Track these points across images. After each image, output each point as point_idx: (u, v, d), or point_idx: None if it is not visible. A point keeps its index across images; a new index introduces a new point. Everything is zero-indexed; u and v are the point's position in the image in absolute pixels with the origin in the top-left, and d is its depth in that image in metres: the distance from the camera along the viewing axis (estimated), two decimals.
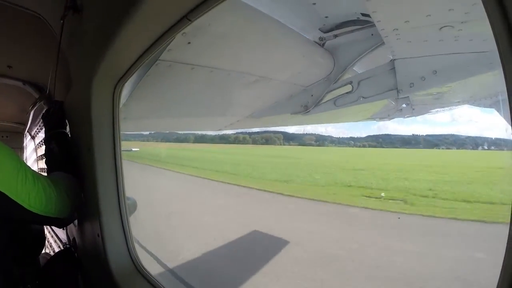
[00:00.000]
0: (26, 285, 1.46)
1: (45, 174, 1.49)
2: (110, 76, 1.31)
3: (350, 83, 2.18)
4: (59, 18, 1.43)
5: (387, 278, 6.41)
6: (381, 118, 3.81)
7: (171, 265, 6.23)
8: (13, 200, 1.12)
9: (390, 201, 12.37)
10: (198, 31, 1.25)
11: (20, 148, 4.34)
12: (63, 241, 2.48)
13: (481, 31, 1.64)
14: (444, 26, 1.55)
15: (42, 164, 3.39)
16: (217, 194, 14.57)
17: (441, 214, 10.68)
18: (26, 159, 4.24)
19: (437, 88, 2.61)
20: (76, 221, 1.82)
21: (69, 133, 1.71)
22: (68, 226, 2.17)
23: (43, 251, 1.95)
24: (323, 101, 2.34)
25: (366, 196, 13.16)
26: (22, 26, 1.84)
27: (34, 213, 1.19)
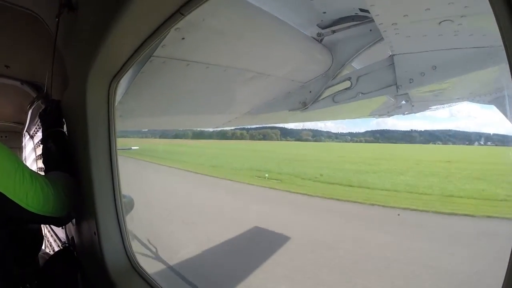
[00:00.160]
0: (25, 284, 1.46)
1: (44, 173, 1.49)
2: (105, 72, 1.30)
3: (349, 79, 2.17)
4: (55, 17, 1.42)
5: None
6: (381, 115, 3.79)
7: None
8: (11, 199, 1.12)
9: (270, 180, 16.66)
10: (192, 26, 1.23)
11: (19, 148, 4.35)
12: (63, 240, 2.48)
13: (481, 26, 1.63)
14: (444, 21, 1.53)
15: (41, 163, 3.39)
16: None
17: (300, 191, 14.32)
18: (25, 159, 4.24)
19: (437, 85, 2.59)
20: (74, 220, 1.82)
21: (66, 132, 1.70)
22: (67, 225, 2.17)
23: (43, 251, 1.95)
24: (322, 97, 2.32)
25: (257, 177, 17.47)
26: (18, 25, 1.84)
27: (32, 212, 1.20)
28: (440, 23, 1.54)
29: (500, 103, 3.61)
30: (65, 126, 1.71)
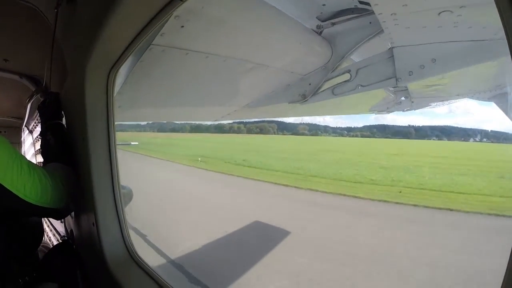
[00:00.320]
0: (24, 278, 1.45)
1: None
2: (103, 63, 1.30)
3: (348, 71, 2.16)
4: (53, 8, 1.42)
5: None
6: (380, 112, 3.79)
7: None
8: (9, 189, 1.11)
9: (200, 163, 20.22)
10: (191, 14, 1.23)
11: (18, 143, 4.33)
12: (61, 234, 2.48)
13: (480, 19, 1.62)
14: (443, 11, 1.52)
15: (41, 158, 3.38)
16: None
17: (213, 169, 17.74)
18: (24, 153, 4.23)
19: (437, 80, 2.59)
20: (73, 213, 1.82)
21: (65, 124, 1.70)
22: (65, 219, 2.17)
23: (42, 244, 1.95)
24: (321, 90, 2.32)
25: (194, 160, 21.05)
26: (17, 18, 1.82)
27: (30, 203, 1.19)
28: (439, 13, 1.53)
29: (499, 100, 3.61)
30: (64, 118, 1.71)
